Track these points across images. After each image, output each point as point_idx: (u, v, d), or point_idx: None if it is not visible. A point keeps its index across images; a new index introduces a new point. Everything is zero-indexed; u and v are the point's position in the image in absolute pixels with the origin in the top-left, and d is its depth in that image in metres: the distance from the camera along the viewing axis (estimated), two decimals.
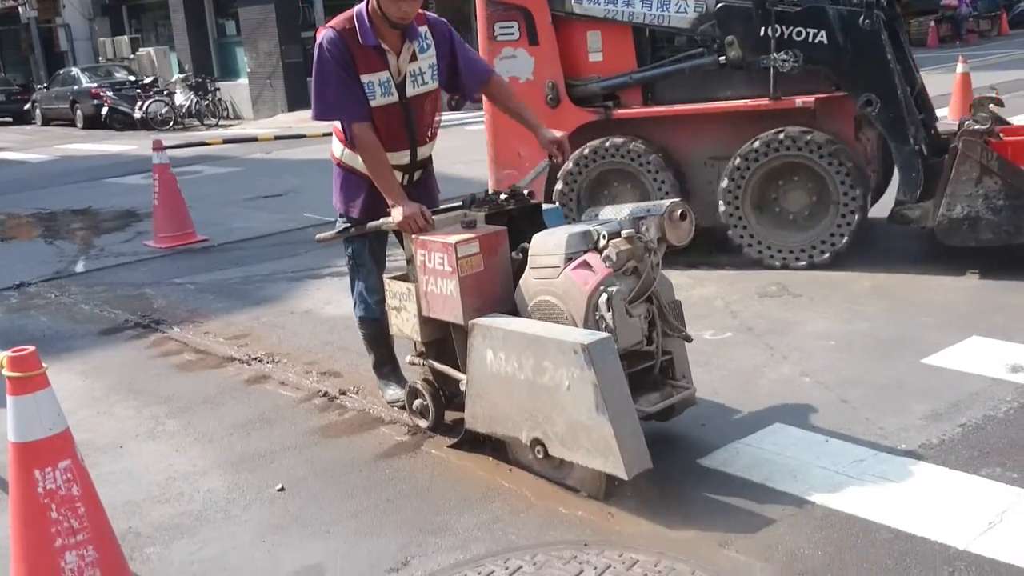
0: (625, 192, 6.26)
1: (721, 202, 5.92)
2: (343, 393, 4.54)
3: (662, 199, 4.75)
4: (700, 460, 3.55)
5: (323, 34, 3.79)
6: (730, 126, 6.01)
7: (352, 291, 4.27)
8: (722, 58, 5.82)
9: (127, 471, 3.94)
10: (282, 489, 3.66)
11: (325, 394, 4.55)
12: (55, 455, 2.63)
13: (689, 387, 3.66)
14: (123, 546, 2.95)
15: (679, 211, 3.46)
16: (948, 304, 5.01)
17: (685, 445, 3.69)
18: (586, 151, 6.23)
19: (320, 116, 3.89)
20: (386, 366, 4.32)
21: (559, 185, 6.34)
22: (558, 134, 3.92)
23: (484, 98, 4.42)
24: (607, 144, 6.18)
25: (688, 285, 5.64)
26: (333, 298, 6.21)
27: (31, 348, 2.61)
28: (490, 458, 3.68)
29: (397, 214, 3.70)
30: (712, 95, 6.03)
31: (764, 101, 5.74)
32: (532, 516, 3.29)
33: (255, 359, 5.15)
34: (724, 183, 5.90)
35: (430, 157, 4.15)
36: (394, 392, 4.24)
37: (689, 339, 3.67)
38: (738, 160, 5.81)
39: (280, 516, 3.46)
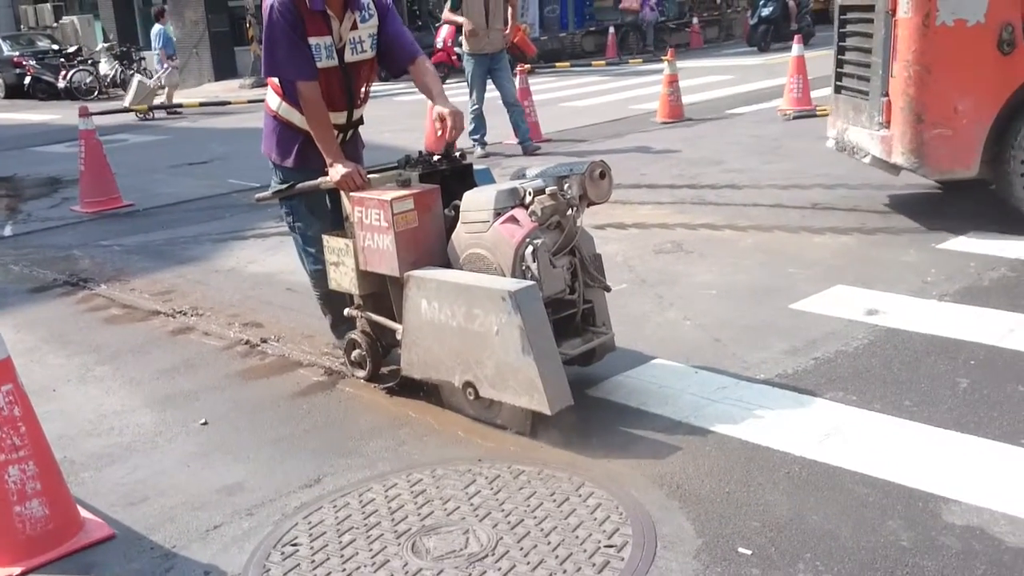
0: None
1: None
2: (264, 341, 4.86)
3: None
4: (587, 391, 3.96)
5: None
6: None
7: (297, 250, 4.43)
8: None
9: (60, 411, 4.22)
10: (205, 423, 3.99)
11: (247, 342, 4.87)
12: None
13: (608, 333, 3.93)
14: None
15: (599, 170, 3.69)
16: (819, 258, 5.52)
17: (575, 379, 4.03)
18: None
19: (270, 74, 4.08)
20: (343, 324, 4.40)
21: None
22: (447, 110, 3.98)
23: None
24: None
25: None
26: (257, 257, 6.50)
27: None
28: (399, 395, 4.05)
29: (335, 173, 3.90)
30: None
31: None
32: (434, 439, 3.68)
33: (180, 312, 5.44)
34: None
35: (361, 118, 4.35)
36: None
37: (608, 289, 3.94)
38: None
39: (204, 445, 3.80)
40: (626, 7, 23.01)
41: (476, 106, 9.91)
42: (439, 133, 4.12)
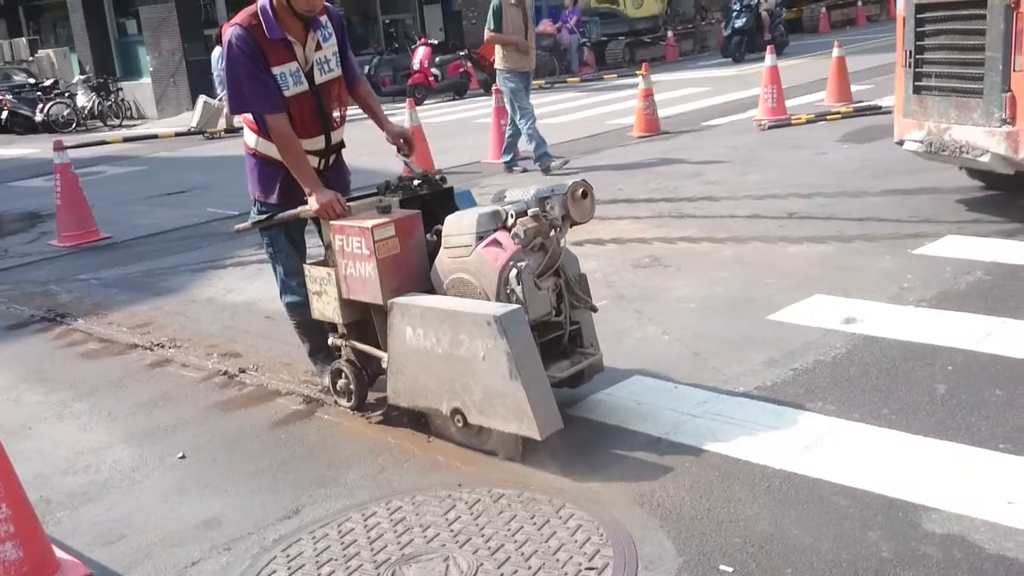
0: None
1: None
2: (243, 371, 4.83)
3: None
4: (568, 410, 3.92)
5: (230, 31, 3.88)
6: None
7: (276, 280, 4.39)
8: None
9: (36, 449, 4.18)
10: (183, 457, 3.95)
11: (225, 373, 4.84)
12: None
13: (596, 353, 3.88)
14: (36, 513, 3.22)
15: (581, 190, 3.68)
16: (796, 268, 5.53)
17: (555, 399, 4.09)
18: None
19: (236, 110, 4.08)
20: (321, 352, 4.37)
21: None
22: (403, 128, 4.15)
23: None
24: None
25: None
26: (235, 286, 6.47)
27: None
28: (374, 420, 4.03)
29: (314, 201, 3.86)
30: None
31: None
32: (414, 465, 3.65)
33: (158, 345, 5.40)
34: None
35: (342, 142, 4.31)
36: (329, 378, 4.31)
37: (595, 309, 3.91)
38: None
39: (182, 480, 3.76)
40: (543, 31, 21.89)
41: (531, 122, 9.66)
42: (403, 152, 4.17)
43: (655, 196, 8.01)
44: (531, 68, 9.85)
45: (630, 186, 8.51)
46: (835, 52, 12.15)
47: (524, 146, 10.07)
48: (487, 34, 9.68)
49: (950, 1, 5.98)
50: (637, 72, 12.25)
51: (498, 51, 9.78)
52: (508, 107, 9.82)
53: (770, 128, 10.84)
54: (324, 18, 4.04)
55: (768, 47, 12.05)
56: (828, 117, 11.03)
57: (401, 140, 4.15)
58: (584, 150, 10.88)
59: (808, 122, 10.94)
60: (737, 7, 21.25)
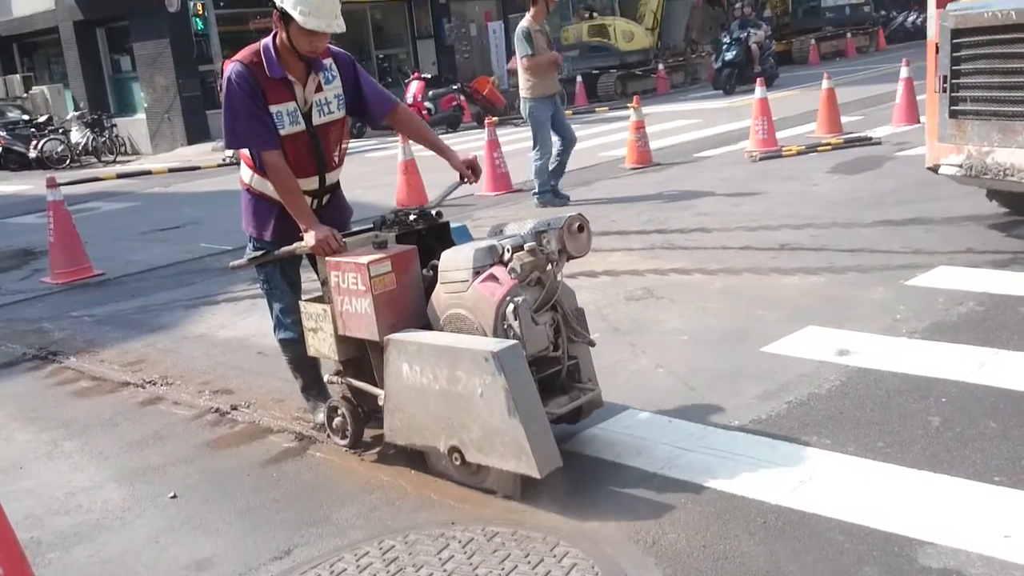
0: None
1: None
2: (234, 408, 4.80)
3: None
4: (562, 445, 3.87)
5: (231, 68, 3.92)
6: None
7: (271, 315, 4.37)
8: None
9: (27, 489, 4.14)
10: (175, 496, 3.92)
11: (217, 410, 4.81)
12: None
13: (595, 389, 3.84)
14: (26, 554, 3.17)
15: (577, 224, 3.65)
16: (789, 300, 5.54)
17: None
18: None
19: (231, 145, 4.07)
20: (313, 388, 4.39)
21: None
22: (471, 156, 4.16)
23: None
24: None
25: None
26: (228, 322, 6.46)
27: None
28: (368, 458, 4.00)
29: (310, 238, 3.83)
30: None
31: None
32: (407, 504, 3.62)
33: (150, 382, 5.37)
34: None
35: (338, 182, 4.31)
36: (323, 414, 4.28)
37: (592, 344, 3.87)
38: None
39: (173, 519, 3.73)
40: (513, 68, 21.62)
41: (547, 159, 9.54)
42: (469, 180, 4.18)
43: (647, 228, 8.03)
44: (558, 90, 9.71)
45: (623, 218, 8.54)
46: (825, 84, 12.24)
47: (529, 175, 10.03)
48: (525, 62, 9.39)
49: (991, 26, 5.97)
50: (628, 104, 12.31)
51: (523, 79, 9.55)
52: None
53: (761, 159, 10.90)
54: (329, 61, 4.06)
55: (758, 79, 12.15)
56: (819, 148, 11.10)
57: (466, 167, 4.14)
58: (576, 182, 10.92)
59: (799, 153, 11.01)
60: (727, 40, 21.50)
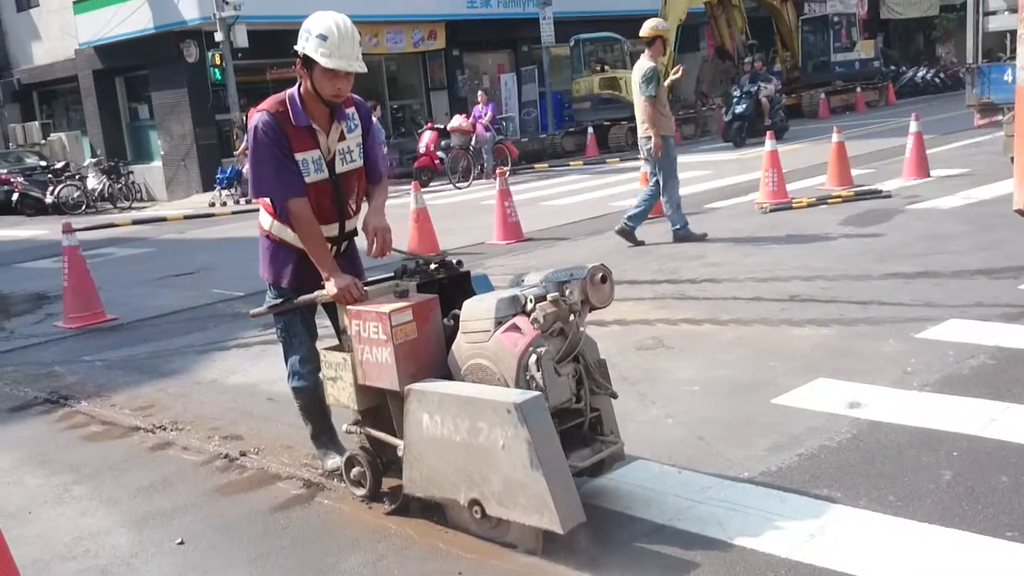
0: None
1: None
2: (244, 454, 4.80)
3: None
4: None
5: (256, 117, 3.95)
6: None
7: (286, 362, 4.34)
8: None
9: (36, 534, 4.14)
10: (182, 543, 3.91)
11: (226, 456, 4.81)
12: None
13: (618, 442, 3.80)
14: None
15: (600, 274, 3.64)
16: (799, 351, 5.53)
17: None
18: None
19: (258, 193, 4.08)
20: (324, 435, 4.38)
21: None
22: (382, 224, 4.08)
23: None
24: None
25: None
26: (238, 368, 6.48)
27: None
28: (375, 505, 3.99)
29: (331, 286, 3.85)
30: None
31: None
32: (415, 552, 3.60)
33: (160, 427, 5.38)
34: None
35: (356, 230, 4.32)
36: (333, 461, 4.29)
37: (615, 395, 3.82)
38: None
39: (179, 566, 3.72)
40: (457, 128, 19.71)
41: (678, 193, 9.58)
42: (368, 251, 4.09)
43: (657, 277, 8.06)
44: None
45: (633, 267, 8.57)
46: (835, 137, 12.31)
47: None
48: (651, 100, 9.26)
49: None
50: (639, 155, 12.39)
51: (650, 118, 9.30)
52: (657, 173, 9.52)
53: (771, 211, 10.94)
54: (351, 110, 4.11)
55: (768, 132, 12.22)
56: (829, 201, 11.14)
57: (372, 234, 4.08)
58: (588, 231, 10.98)
59: (809, 205, 11.05)
60: (737, 93, 21.68)
